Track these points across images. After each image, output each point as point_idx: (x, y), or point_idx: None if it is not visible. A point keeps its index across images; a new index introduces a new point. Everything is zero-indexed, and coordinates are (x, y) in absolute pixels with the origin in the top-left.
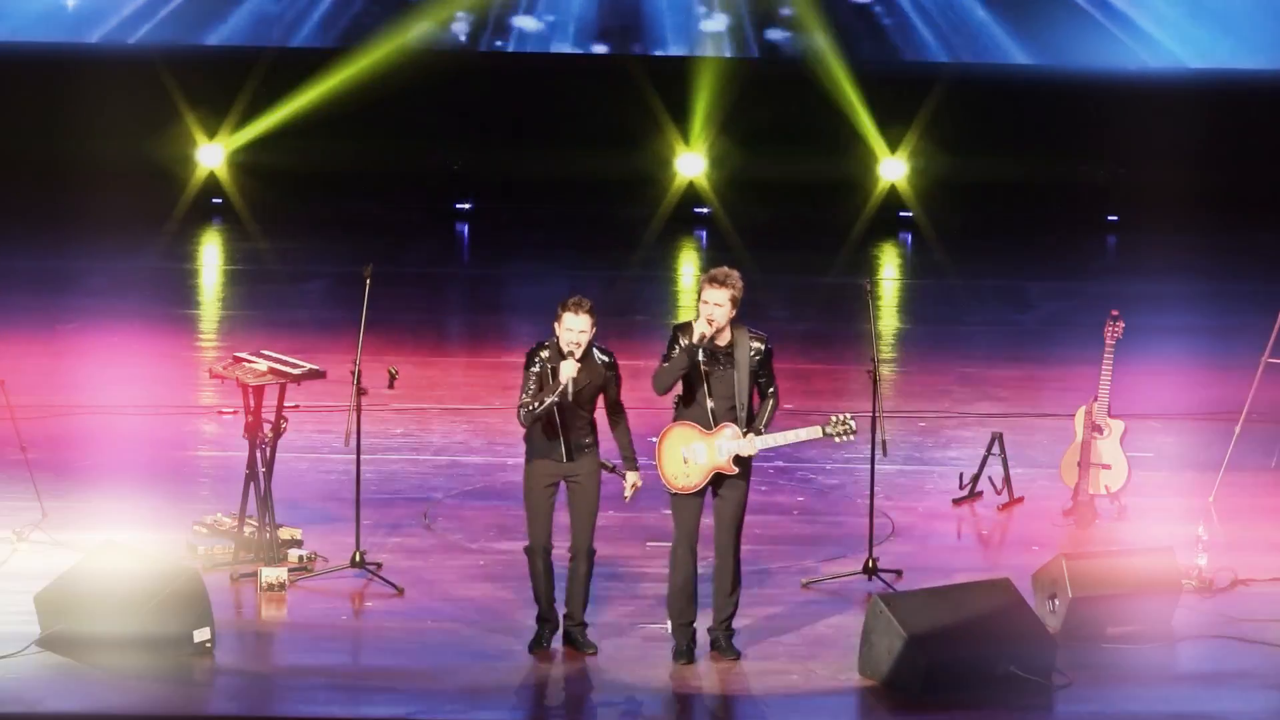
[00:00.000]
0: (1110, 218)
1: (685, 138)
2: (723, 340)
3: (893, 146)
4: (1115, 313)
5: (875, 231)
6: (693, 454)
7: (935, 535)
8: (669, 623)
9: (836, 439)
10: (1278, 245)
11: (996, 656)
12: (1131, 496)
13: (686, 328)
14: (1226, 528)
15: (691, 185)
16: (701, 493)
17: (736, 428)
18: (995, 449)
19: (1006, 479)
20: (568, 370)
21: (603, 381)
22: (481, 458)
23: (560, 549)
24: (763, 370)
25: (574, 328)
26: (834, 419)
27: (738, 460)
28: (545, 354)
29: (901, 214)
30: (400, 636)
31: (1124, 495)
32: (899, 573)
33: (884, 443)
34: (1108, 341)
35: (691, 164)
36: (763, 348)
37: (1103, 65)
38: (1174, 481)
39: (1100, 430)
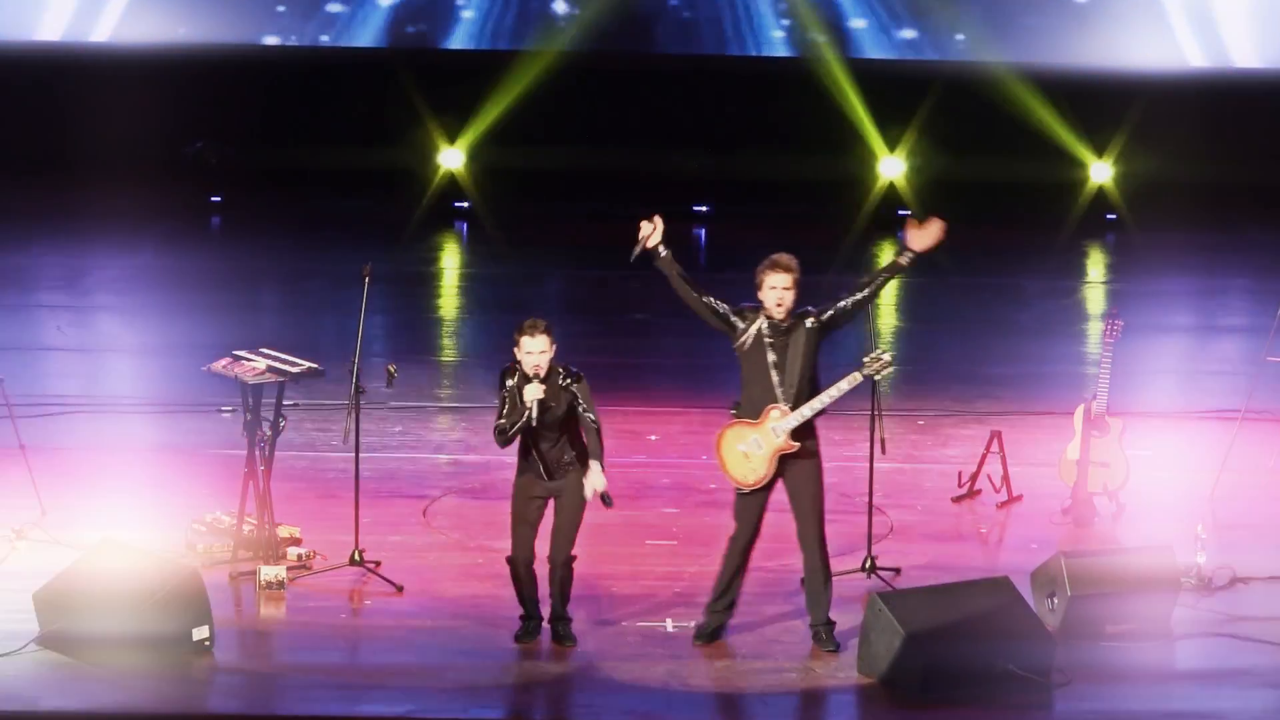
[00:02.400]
0: (1109, 216)
1: (683, 136)
2: (785, 323)
3: (892, 145)
4: (1114, 311)
5: (874, 229)
6: (750, 446)
7: (934, 533)
8: (668, 620)
9: (876, 378)
10: (1275, 242)
11: (995, 655)
12: (1130, 495)
13: (751, 312)
14: (1225, 526)
15: (689, 183)
16: (766, 489)
17: (781, 406)
18: (994, 447)
19: (1005, 477)
20: (532, 393)
21: (569, 400)
22: (480, 456)
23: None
24: (825, 331)
25: (533, 350)
26: (868, 359)
27: (798, 436)
28: (512, 377)
29: (901, 212)
30: (399, 634)
31: (1123, 493)
32: (897, 571)
33: (883, 441)
34: (1107, 340)
35: (689, 162)
36: (815, 320)
37: (1101, 64)
38: (1173, 480)
39: (1099, 428)
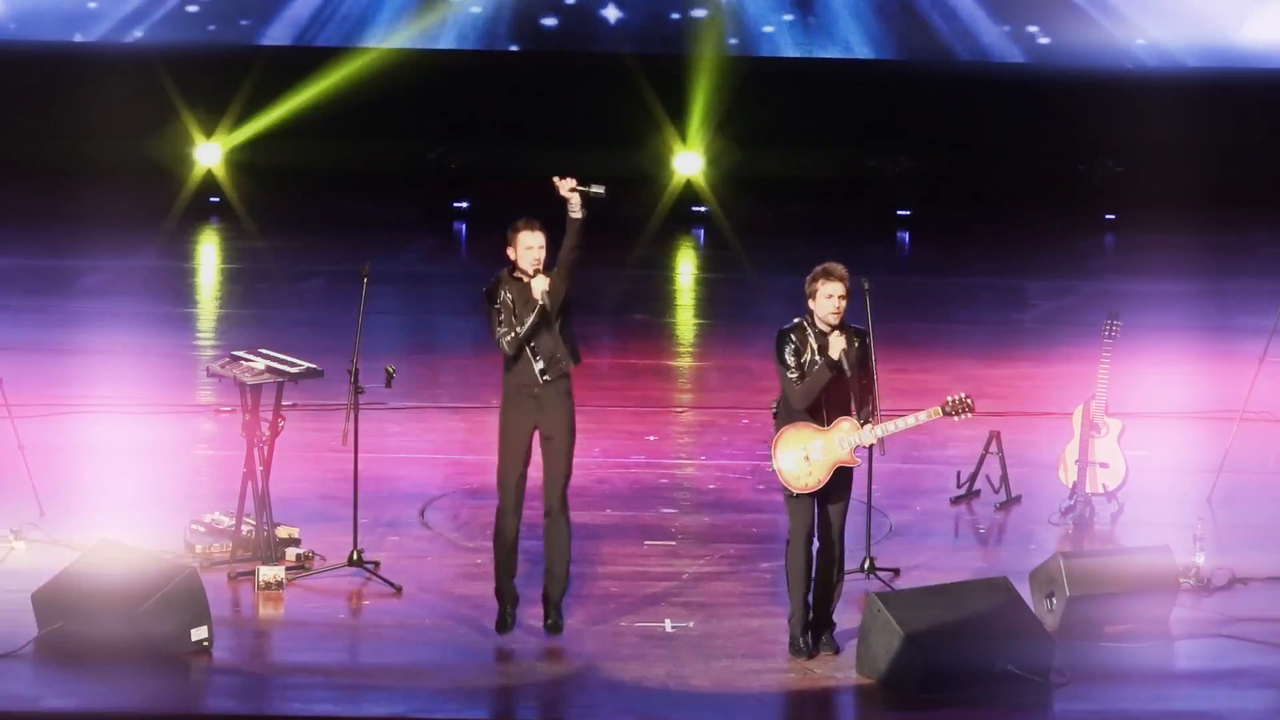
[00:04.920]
0: (1108, 216)
1: (683, 136)
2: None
3: (889, 145)
4: (1113, 311)
5: (871, 230)
6: (813, 452)
7: (933, 534)
8: (667, 621)
9: (956, 418)
10: (1275, 243)
11: (994, 655)
12: (1129, 495)
13: (799, 329)
14: (1224, 526)
15: (689, 184)
16: (816, 492)
17: (853, 419)
18: (993, 448)
19: (1004, 478)
20: (540, 285)
21: (557, 283)
22: (478, 456)
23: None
24: (864, 363)
25: (533, 244)
26: (951, 399)
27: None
28: (503, 287)
29: (899, 212)
30: (397, 635)
31: (1121, 494)
32: (896, 571)
33: (881, 441)
34: (1105, 340)
35: (689, 163)
36: (863, 340)
37: (1101, 63)
38: (1171, 480)
39: (1098, 429)
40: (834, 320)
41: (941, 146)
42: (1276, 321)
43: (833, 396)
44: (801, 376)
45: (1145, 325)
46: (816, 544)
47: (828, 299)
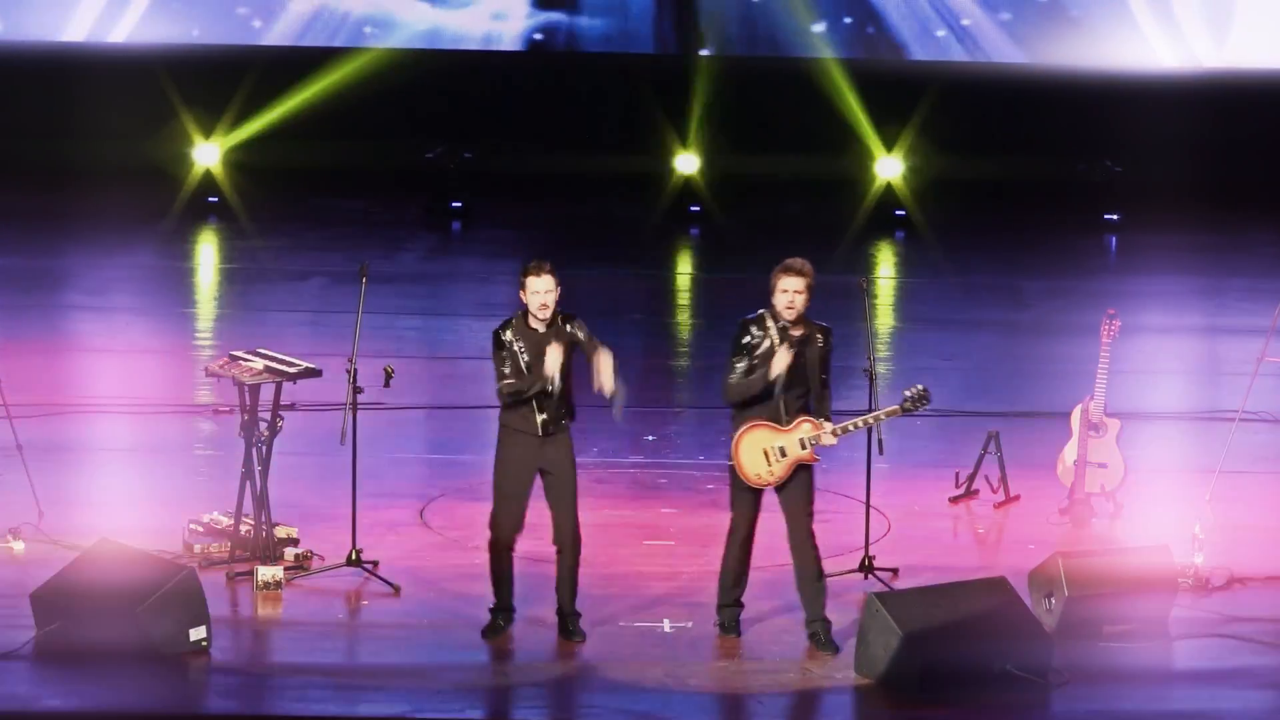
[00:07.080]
0: (1108, 216)
1: (682, 137)
2: (797, 331)
3: (889, 145)
4: (1112, 311)
5: (871, 230)
6: (775, 451)
7: (931, 534)
8: (665, 621)
9: (915, 411)
10: (1274, 243)
11: (993, 655)
12: (1128, 495)
13: (759, 320)
14: (1223, 526)
15: (688, 183)
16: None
17: (813, 420)
18: (991, 447)
19: (1003, 477)
20: (553, 363)
21: (571, 340)
22: (478, 456)
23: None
24: (824, 362)
25: (539, 289)
26: (908, 394)
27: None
28: (510, 334)
29: (897, 212)
30: (396, 635)
31: (1120, 494)
32: (895, 571)
33: (880, 441)
34: (1104, 340)
35: (687, 163)
36: (828, 339)
37: (1101, 64)
38: (1170, 480)
39: (1097, 429)
40: (789, 316)
41: (940, 146)
42: (1275, 321)
43: (794, 391)
44: (750, 369)
45: (1145, 325)
46: (790, 548)
47: (782, 293)
